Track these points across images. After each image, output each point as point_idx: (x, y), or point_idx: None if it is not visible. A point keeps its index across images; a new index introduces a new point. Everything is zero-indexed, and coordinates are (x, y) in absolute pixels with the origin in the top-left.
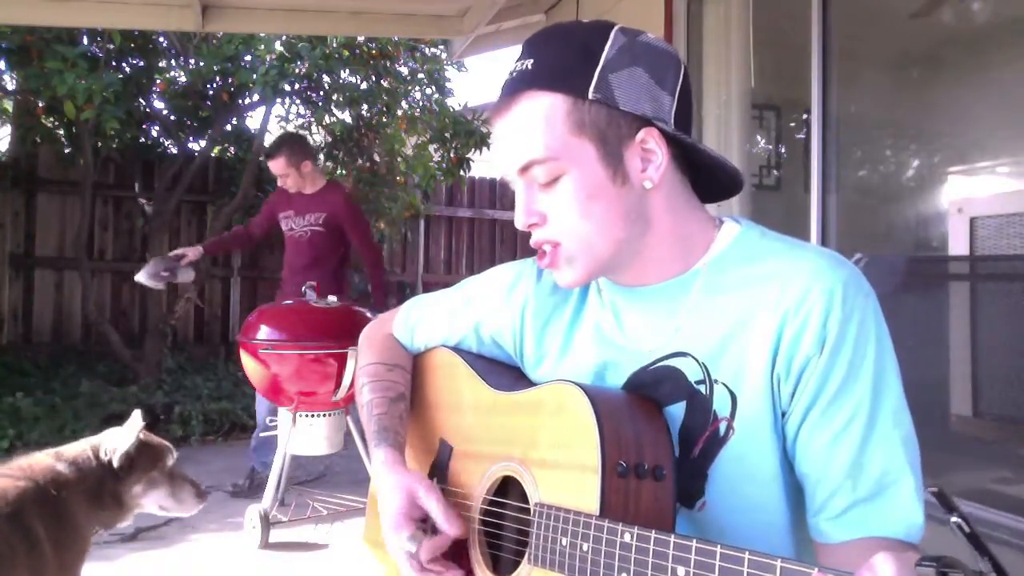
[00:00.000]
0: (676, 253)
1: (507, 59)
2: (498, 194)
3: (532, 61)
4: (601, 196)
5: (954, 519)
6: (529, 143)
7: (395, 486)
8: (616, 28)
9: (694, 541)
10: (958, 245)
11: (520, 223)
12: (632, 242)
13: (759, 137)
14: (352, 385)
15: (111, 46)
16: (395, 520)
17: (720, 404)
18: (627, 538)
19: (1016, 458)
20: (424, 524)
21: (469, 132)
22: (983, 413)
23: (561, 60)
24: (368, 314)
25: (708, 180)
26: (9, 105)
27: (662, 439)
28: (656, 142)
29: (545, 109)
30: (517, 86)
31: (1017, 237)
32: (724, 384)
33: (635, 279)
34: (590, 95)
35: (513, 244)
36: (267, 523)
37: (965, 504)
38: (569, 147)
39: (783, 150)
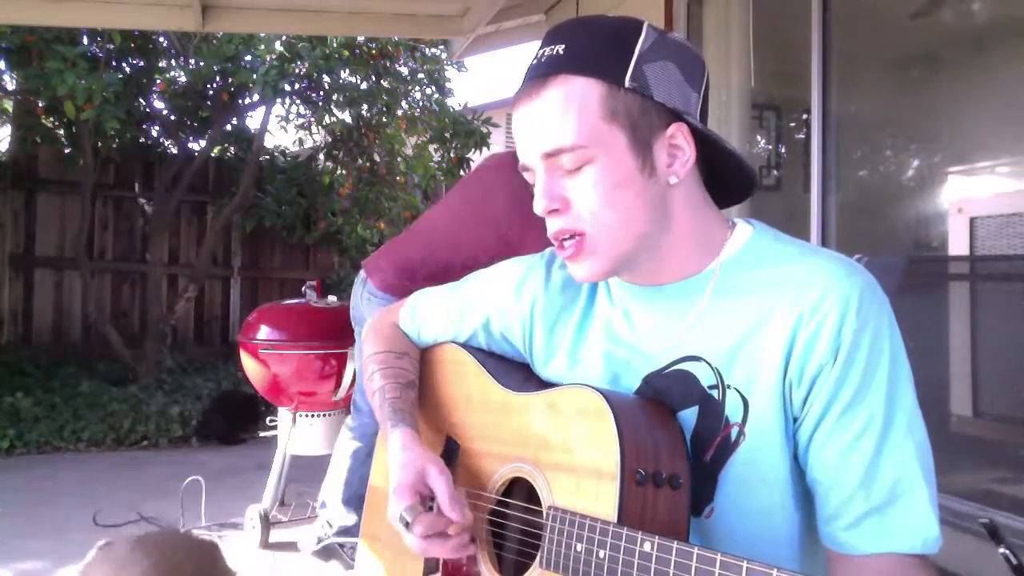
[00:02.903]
0: (691, 253)
1: (507, 59)
2: None
3: (564, 47)
4: (628, 185)
5: (1002, 550)
6: (559, 129)
7: (408, 462)
8: (646, 23)
9: (719, 555)
10: (958, 245)
11: (540, 208)
12: (652, 237)
13: (759, 137)
14: (352, 385)
15: (111, 46)
16: (399, 491)
17: (732, 409)
18: (647, 547)
19: (1016, 458)
20: (428, 503)
21: (469, 132)
22: (983, 413)
23: (596, 47)
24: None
25: (720, 182)
26: (9, 105)
27: (679, 448)
28: (685, 138)
29: (579, 94)
30: (548, 69)
31: (1017, 237)
32: (737, 389)
33: (648, 278)
34: (626, 83)
35: None
36: (267, 523)
37: (965, 504)
38: (600, 135)
39: (783, 150)
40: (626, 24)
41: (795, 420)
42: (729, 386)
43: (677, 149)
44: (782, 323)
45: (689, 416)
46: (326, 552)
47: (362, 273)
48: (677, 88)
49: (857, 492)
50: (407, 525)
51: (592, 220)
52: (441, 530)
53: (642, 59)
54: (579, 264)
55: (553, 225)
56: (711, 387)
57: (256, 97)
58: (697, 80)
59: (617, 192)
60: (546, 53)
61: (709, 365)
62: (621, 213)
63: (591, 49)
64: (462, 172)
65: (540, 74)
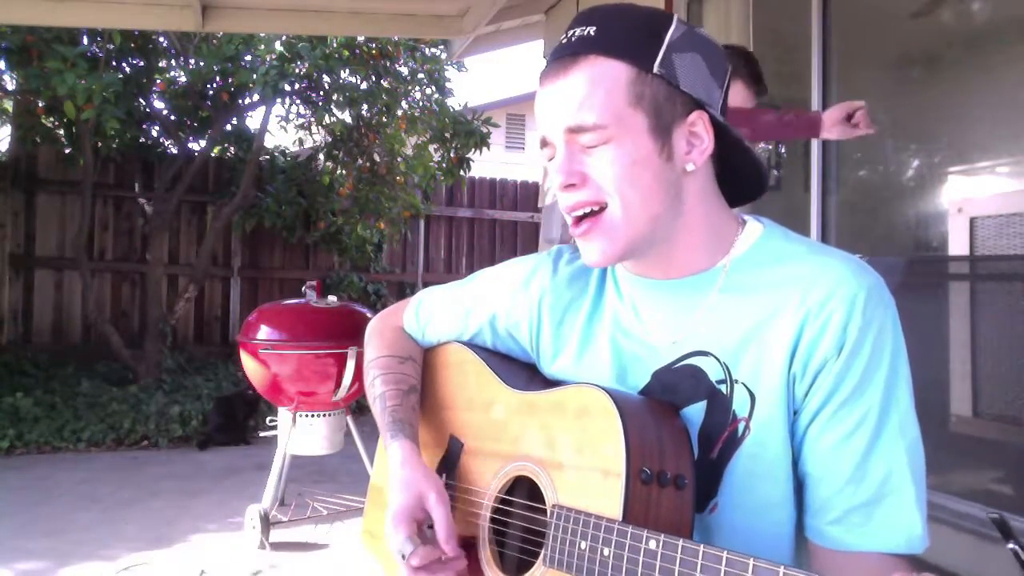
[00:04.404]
0: (702, 247)
1: (507, 59)
2: (498, 194)
3: (595, 29)
4: (647, 166)
5: (1011, 546)
6: (585, 107)
7: (407, 483)
8: (675, 15)
9: (725, 552)
10: (958, 245)
11: (558, 182)
12: (666, 223)
13: None
14: (352, 385)
15: (111, 46)
16: (397, 517)
17: (739, 404)
18: (652, 545)
19: (1016, 458)
20: (425, 527)
21: (469, 132)
22: (983, 413)
23: (628, 32)
24: (368, 314)
25: (732, 180)
26: (9, 105)
27: (684, 448)
28: (705, 127)
29: (608, 75)
30: (579, 49)
31: (1017, 237)
32: (744, 384)
33: (658, 272)
34: (655, 69)
35: (513, 244)
36: (267, 523)
37: (965, 504)
38: (623, 117)
39: (783, 150)
40: (657, 14)
41: (795, 413)
42: (737, 381)
43: (696, 138)
44: (790, 319)
45: (697, 411)
46: None
47: None
48: (702, 81)
49: (846, 487)
50: (403, 557)
51: (611, 194)
52: (435, 559)
53: (672, 48)
54: (592, 243)
55: (569, 199)
56: (719, 382)
57: (256, 97)
58: (721, 76)
59: (636, 170)
60: (576, 33)
61: (717, 360)
62: (638, 191)
63: (623, 33)
64: (462, 172)
65: (570, 53)
